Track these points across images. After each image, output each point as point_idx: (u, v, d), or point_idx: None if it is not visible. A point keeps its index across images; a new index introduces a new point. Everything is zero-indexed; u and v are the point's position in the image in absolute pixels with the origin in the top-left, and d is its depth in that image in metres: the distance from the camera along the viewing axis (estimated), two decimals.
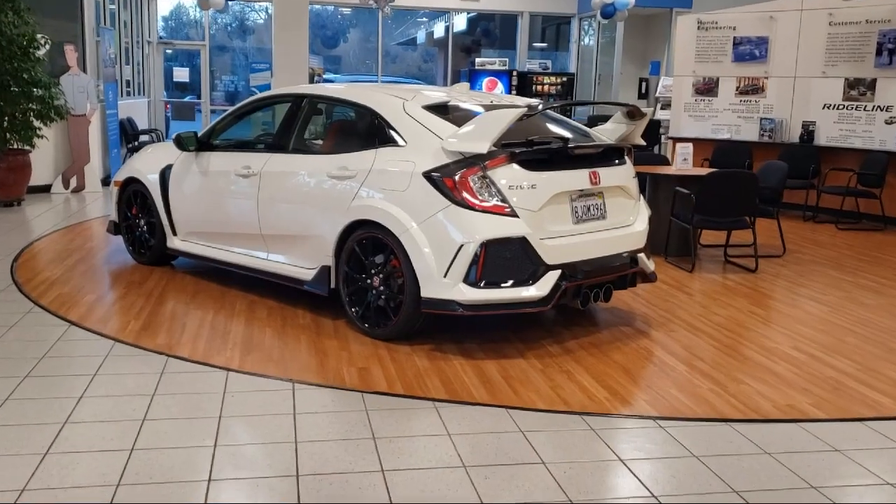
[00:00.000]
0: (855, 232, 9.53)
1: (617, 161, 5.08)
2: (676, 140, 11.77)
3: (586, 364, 4.52)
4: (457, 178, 4.42)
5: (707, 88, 11.75)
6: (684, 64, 11.93)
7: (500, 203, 4.43)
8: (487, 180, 4.42)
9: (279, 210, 5.36)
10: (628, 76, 16.40)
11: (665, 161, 8.59)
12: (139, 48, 15.49)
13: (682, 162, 7.81)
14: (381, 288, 4.75)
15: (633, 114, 5.20)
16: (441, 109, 4.92)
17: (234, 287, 5.93)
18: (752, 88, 11.36)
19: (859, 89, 10.28)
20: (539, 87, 16.34)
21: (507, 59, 16.69)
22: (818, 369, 4.58)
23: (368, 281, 4.82)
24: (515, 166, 4.49)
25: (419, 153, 4.64)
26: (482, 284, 4.41)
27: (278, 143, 5.58)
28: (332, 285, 5.04)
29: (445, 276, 4.43)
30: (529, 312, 4.58)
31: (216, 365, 4.34)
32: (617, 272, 4.90)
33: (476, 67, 16.30)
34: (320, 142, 5.81)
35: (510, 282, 4.44)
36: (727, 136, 11.51)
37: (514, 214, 4.44)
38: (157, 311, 5.33)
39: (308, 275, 5.19)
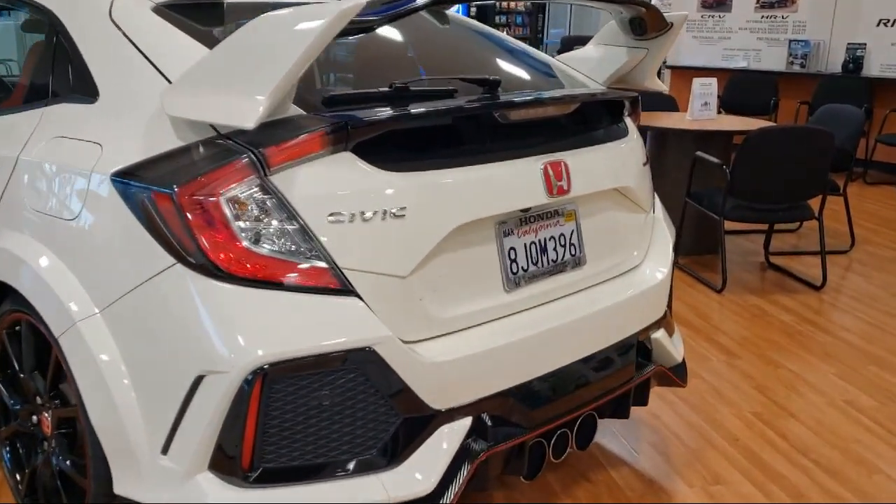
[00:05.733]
0: None
1: (608, 131, 2.31)
2: (677, 70, 8.96)
3: None
4: (191, 195, 1.63)
5: (718, 1, 8.89)
6: None
7: (305, 261, 1.66)
8: (274, 201, 1.64)
9: None
10: None
11: (671, 104, 5.81)
12: None
13: (703, 108, 5.03)
14: (55, 443, 2.02)
15: (643, 22, 2.37)
16: (202, 14, 2.09)
17: None
18: (777, 0, 8.52)
19: None
20: (504, 3, 13.38)
21: None
22: None
23: (35, 419, 2.08)
24: (351, 159, 1.70)
25: (118, 122, 1.85)
26: (254, 478, 1.66)
27: None
28: None
29: (165, 451, 1.69)
30: None
31: None
32: (606, 392, 2.17)
33: None
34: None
35: (338, 462, 1.71)
36: (743, 64, 8.70)
37: (343, 287, 1.68)
38: None
39: None
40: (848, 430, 2.93)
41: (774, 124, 4.66)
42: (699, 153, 4.51)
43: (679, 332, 2.58)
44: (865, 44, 7.89)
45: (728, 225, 5.16)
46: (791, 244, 5.27)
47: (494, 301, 1.94)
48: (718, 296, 4.28)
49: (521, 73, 2.36)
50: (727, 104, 8.22)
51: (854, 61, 7.94)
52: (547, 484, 2.49)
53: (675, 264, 4.68)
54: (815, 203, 4.43)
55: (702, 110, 5.01)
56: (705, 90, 5.02)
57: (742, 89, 8.31)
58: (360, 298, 1.69)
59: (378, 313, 1.70)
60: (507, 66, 2.37)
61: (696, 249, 4.94)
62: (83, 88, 1.98)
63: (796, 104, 8.03)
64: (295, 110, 1.72)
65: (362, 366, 1.67)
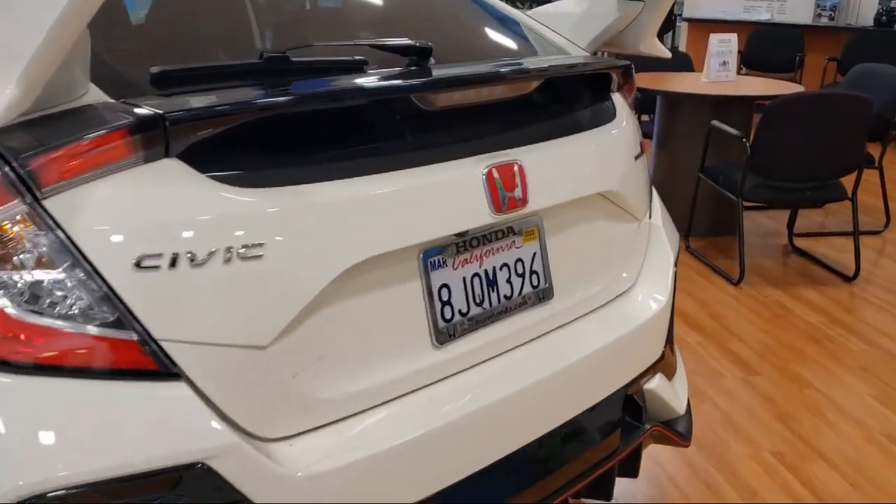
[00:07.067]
0: None
1: (588, 115, 1.70)
2: (693, 23, 8.25)
3: None
4: None
5: None
6: None
7: (99, 330, 1.08)
8: (50, 239, 1.06)
9: None
10: None
11: (686, 63, 5.15)
12: None
13: (720, 68, 4.38)
14: None
15: None
16: None
17: None
18: None
19: None
20: None
21: None
22: None
23: None
24: (177, 171, 1.12)
25: None
26: None
27: None
28: None
29: None
30: None
31: None
32: (580, 476, 1.60)
33: None
34: None
35: None
36: (767, 16, 7.99)
37: (160, 368, 1.10)
38: None
39: None
40: (891, 477, 2.36)
41: (803, 90, 4.02)
42: (715, 122, 3.88)
43: (683, 370, 2.00)
44: None
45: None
46: (817, 223, 4.66)
47: (417, 362, 1.37)
48: (735, 289, 3.69)
49: (473, 37, 1.75)
50: (748, 61, 7.53)
51: (887, 14, 7.22)
52: None
53: (687, 249, 4.09)
54: (845, 180, 3.81)
55: (720, 71, 4.37)
56: (724, 48, 4.37)
57: (765, 44, 7.61)
58: (190, 384, 1.11)
59: (220, 405, 1.13)
60: (455, 27, 1.76)
61: (711, 230, 4.34)
62: None
63: (824, 61, 7.33)
64: (96, 95, 1.14)
65: (191, 491, 1.10)
